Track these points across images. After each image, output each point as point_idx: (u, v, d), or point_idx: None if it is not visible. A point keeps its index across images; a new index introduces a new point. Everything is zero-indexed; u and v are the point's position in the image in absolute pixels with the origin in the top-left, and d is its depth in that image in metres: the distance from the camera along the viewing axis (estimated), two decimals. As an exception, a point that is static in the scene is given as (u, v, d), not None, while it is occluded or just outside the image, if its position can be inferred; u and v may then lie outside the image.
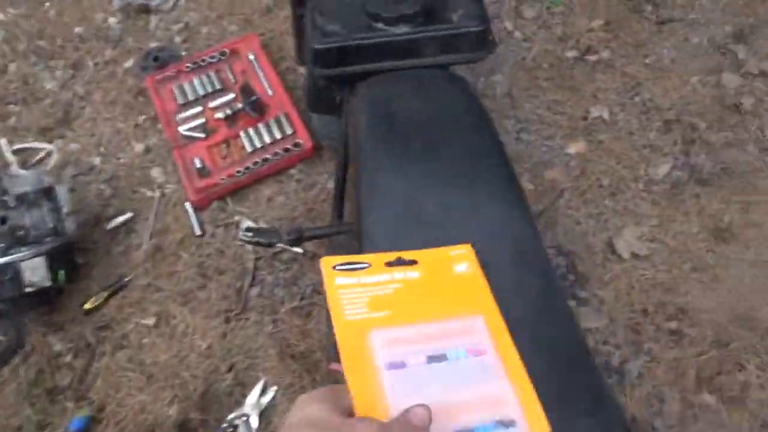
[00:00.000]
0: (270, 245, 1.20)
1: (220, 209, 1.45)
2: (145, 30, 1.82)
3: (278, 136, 1.50)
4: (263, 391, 1.20)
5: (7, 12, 1.88)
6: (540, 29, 1.66)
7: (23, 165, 1.57)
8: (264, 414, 1.17)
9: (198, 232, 1.41)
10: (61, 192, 1.29)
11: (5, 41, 1.81)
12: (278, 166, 1.48)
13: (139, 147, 1.58)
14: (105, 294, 1.34)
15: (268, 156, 1.47)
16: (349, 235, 1.17)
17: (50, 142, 1.61)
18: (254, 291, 1.33)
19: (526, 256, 0.70)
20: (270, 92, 1.58)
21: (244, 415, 1.16)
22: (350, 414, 0.44)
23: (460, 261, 0.57)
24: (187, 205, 1.45)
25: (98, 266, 1.39)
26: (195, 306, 1.32)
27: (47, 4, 1.90)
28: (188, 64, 1.64)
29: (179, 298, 1.33)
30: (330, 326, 1.11)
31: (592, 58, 1.58)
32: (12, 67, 1.76)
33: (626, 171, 1.42)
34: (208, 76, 1.62)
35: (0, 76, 1.74)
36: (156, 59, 1.69)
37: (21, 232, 1.22)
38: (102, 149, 1.59)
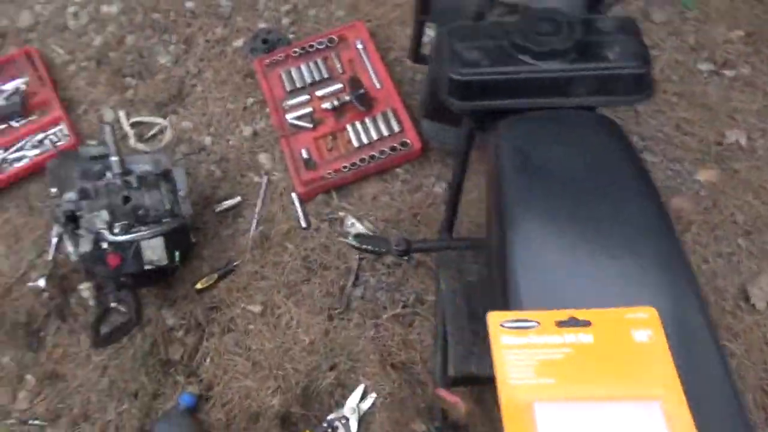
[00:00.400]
0: (378, 254, 1.22)
1: (325, 203, 1.47)
2: (254, 9, 1.82)
3: (385, 132, 1.49)
4: (363, 396, 1.24)
5: (123, -18, 1.92)
6: (670, 36, 1.55)
7: (140, 139, 1.63)
8: (363, 419, 1.22)
9: (304, 224, 1.44)
10: (179, 175, 1.33)
11: (123, 12, 1.86)
12: (383, 165, 1.47)
13: (247, 130, 1.61)
14: (215, 276, 1.40)
15: (374, 153, 1.46)
16: (460, 251, 1.17)
17: (164, 117, 1.67)
18: (357, 292, 1.36)
19: (693, 334, 0.67)
20: (378, 85, 1.56)
21: (343, 417, 1.21)
22: None
23: (641, 327, 0.53)
24: (293, 195, 1.48)
25: (208, 248, 1.46)
26: (299, 299, 1.36)
27: (159, -25, 1.93)
28: (296, 50, 1.64)
29: (284, 289, 1.38)
30: (442, 346, 1.13)
31: (730, 73, 1.47)
32: (129, 39, 1.81)
33: (765, 208, 1.33)
34: (316, 64, 1.62)
35: (117, 47, 1.80)
36: (264, 41, 1.69)
37: (141, 212, 1.28)
38: (212, 129, 1.63)
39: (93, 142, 1.64)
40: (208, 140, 1.61)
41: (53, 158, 1.45)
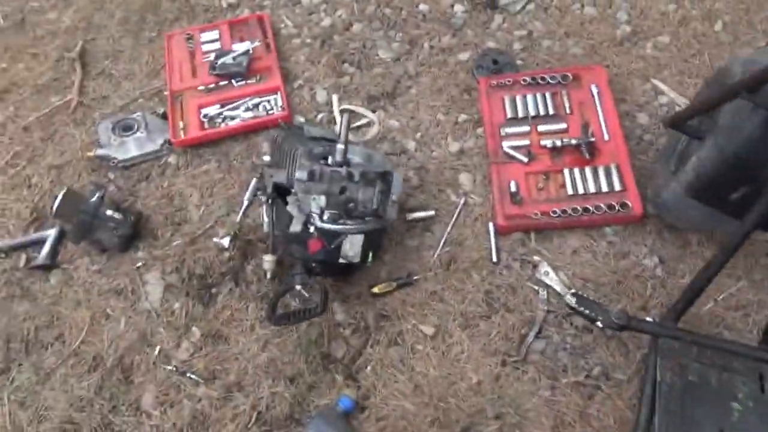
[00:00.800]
0: (591, 321, 1.13)
1: (521, 242, 1.40)
2: (486, 27, 1.78)
3: (605, 188, 1.39)
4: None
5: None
6: None
7: (348, 126, 1.64)
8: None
9: (495, 258, 1.37)
10: (397, 180, 1.31)
11: (356, 0, 1.89)
12: (594, 220, 1.37)
13: (454, 146, 1.57)
14: (394, 284, 1.37)
15: (588, 206, 1.37)
16: (684, 344, 1.05)
17: (374, 111, 1.67)
18: (538, 345, 1.27)
19: None
20: (606, 136, 1.46)
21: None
22: None
23: None
24: (490, 225, 1.42)
25: (390, 253, 1.43)
26: (474, 334, 1.30)
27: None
28: (526, 78, 1.58)
29: (460, 319, 1.32)
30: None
31: None
32: (356, 27, 1.83)
33: None
34: (544, 97, 1.55)
35: (343, 32, 1.83)
36: (495, 62, 1.65)
37: (351, 206, 1.27)
38: (418, 135, 1.61)
39: (302, 119, 1.67)
40: (411, 145, 1.59)
41: (276, 128, 1.50)
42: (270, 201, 1.37)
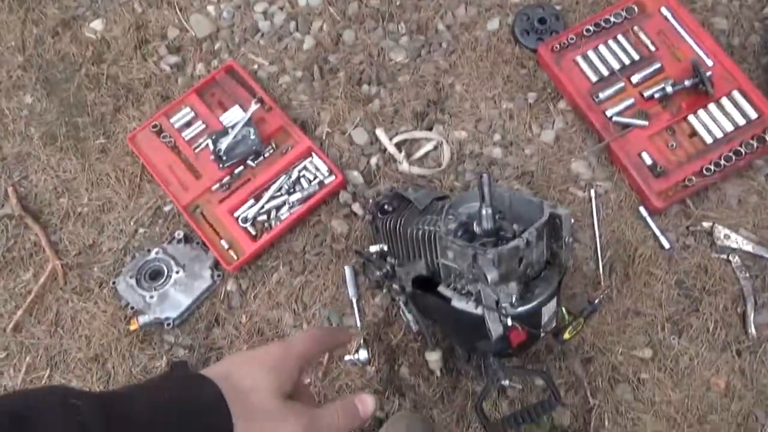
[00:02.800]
0: None
1: (682, 215, 1.25)
2: (499, -22, 1.50)
3: (740, 121, 1.24)
4: (822, 440, 1.07)
5: (320, -36, 1.57)
6: None
7: (410, 159, 1.37)
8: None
9: (666, 244, 1.22)
10: (566, 221, 1.09)
11: (329, 2, 1.53)
12: (748, 160, 1.23)
13: (546, 135, 1.35)
14: (581, 320, 1.19)
15: (738, 149, 1.22)
16: None
17: (430, 129, 1.39)
18: (762, 318, 1.16)
19: None
20: (709, 61, 1.29)
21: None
22: (290, 396, 0.47)
23: None
24: (642, 210, 1.25)
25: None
26: (692, 335, 1.17)
27: (362, -52, 1.58)
28: (588, 27, 1.35)
29: (668, 325, 1.18)
30: None
31: None
32: (347, 35, 1.49)
33: None
34: (618, 42, 1.34)
35: (336, 47, 1.49)
36: (542, 21, 1.40)
37: (529, 271, 1.05)
38: (497, 137, 1.36)
39: (354, 173, 1.37)
40: (497, 152, 1.35)
41: (371, 211, 1.20)
42: (411, 299, 1.13)
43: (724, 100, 1.26)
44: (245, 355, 0.49)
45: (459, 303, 1.06)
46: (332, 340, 0.58)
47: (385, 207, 1.18)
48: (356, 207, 1.33)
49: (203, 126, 1.42)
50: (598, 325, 1.20)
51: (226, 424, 0.42)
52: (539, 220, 1.01)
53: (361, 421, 0.50)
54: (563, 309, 1.11)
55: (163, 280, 1.31)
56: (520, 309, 1.02)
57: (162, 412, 0.42)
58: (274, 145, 1.40)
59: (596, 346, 1.18)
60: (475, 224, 1.06)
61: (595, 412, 1.15)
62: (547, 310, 1.05)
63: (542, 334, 1.06)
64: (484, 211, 1.05)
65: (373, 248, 1.20)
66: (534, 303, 1.03)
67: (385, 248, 1.17)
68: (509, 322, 1.01)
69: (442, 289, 1.09)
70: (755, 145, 1.22)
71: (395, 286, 1.14)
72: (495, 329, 1.00)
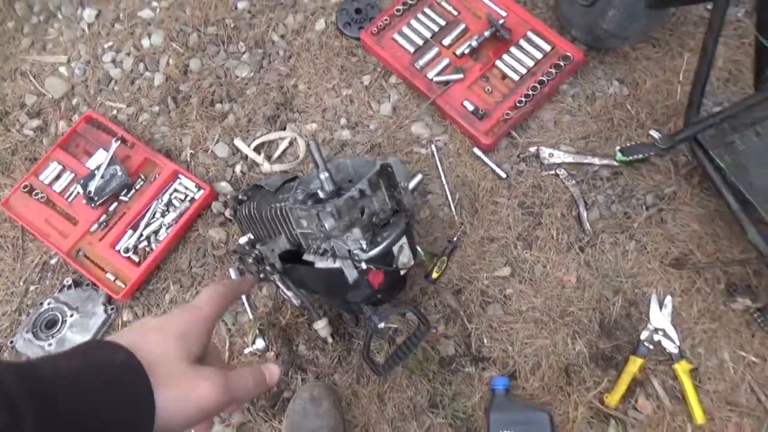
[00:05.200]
0: (646, 159, 1.18)
1: (510, 146, 1.40)
2: (315, -16, 1.66)
3: (538, 55, 1.42)
4: (661, 305, 1.21)
5: (153, 6, 1.69)
6: None
7: (271, 160, 1.48)
8: (676, 324, 1.19)
9: (503, 174, 1.37)
10: (397, 166, 1.21)
11: (169, 38, 1.64)
12: (553, 87, 1.41)
13: (385, 108, 1.49)
14: (445, 258, 1.31)
15: (541, 78, 1.39)
16: (717, 126, 1.14)
17: (284, 129, 1.51)
18: (592, 214, 1.31)
19: None
20: (503, 12, 1.47)
21: (658, 330, 1.18)
22: (200, 360, 0.48)
23: None
24: (476, 150, 1.39)
25: (417, 236, 1.36)
26: (541, 245, 1.30)
27: (192, -15, 1.71)
28: (398, 8, 1.51)
29: (520, 242, 1.31)
30: (746, 218, 1.10)
31: None
32: (193, 64, 1.61)
33: None
34: (426, 15, 1.51)
35: (183, 77, 1.60)
36: (358, 11, 1.55)
37: (375, 219, 1.17)
38: (344, 121, 1.50)
39: (222, 183, 1.47)
40: (346, 134, 1.48)
41: (231, 206, 1.29)
42: (284, 274, 1.22)
43: (522, 42, 1.44)
44: (152, 323, 0.47)
45: (321, 263, 1.16)
46: (235, 293, 0.58)
47: (240, 198, 1.28)
48: (229, 213, 1.42)
49: (72, 175, 1.49)
50: (461, 259, 1.32)
51: (146, 388, 0.42)
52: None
53: (267, 387, 0.51)
54: (420, 249, 1.23)
55: (58, 327, 1.36)
56: (372, 252, 1.13)
57: (84, 376, 0.40)
58: (143, 177, 1.48)
59: (463, 278, 1.30)
60: (318, 191, 1.18)
61: (474, 335, 1.26)
62: (399, 249, 1.17)
63: (401, 271, 1.17)
64: (322, 176, 1.17)
65: (242, 240, 1.29)
66: (384, 244, 1.14)
67: (252, 236, 1.26)
68: (364, 266, 1.12)
69: (306, 256, 1.19)
70: (554, 72, 1.39)
71: (268, 267, 1.23)
72: (350, 274, 1.11)
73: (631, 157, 1.15)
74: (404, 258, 1.18)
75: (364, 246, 1.14)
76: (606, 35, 1.34)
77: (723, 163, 1.13)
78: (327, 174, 1.17)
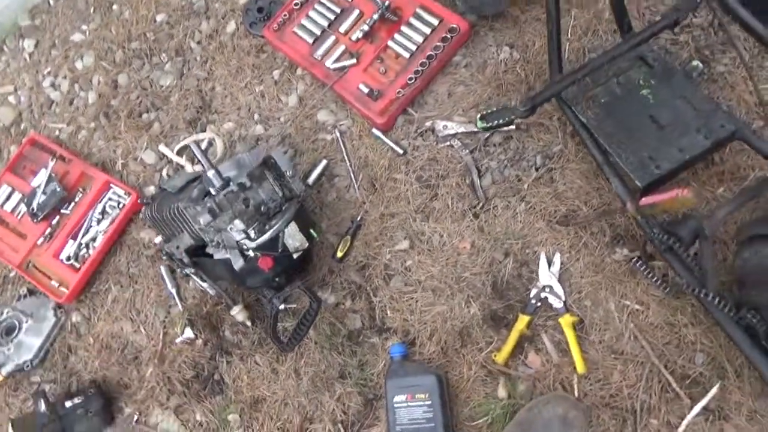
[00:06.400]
0: (510, 123, 1.20)
1: (407, 122, 1.44)
2: (225, -11, 1.73)
3: (427, 31, 1.45)
4: (549, 262, 1.24)
5: (83, 30, 1.81)
6: None
7: (194, 162, 1.57)
8: (563, 280, 1.22)
9: (400, 150, 1.41)
10: (279, 157, 1.28)
11: (99, 58, 1.75)
12: (442, 60, 1.44)
13: (292, 100, 1.55)
14: (348, 238, 1.37)
15: (430, 53, 1.42)
16: (580, 82, 1.15)
17: (203, 131, 1.60)
18: (486, 180, 1.34)
19: None
20: (391, -7, 1.51)
21: (545, 287, 1.21)
22: None
23: None
24: (375, 131, 1.44)
25: (324, 220, 1.42)
26: (437, 216, 1.35)
27: (115, 6, 1.81)
28: (295, 2, 1.57)
29: (419, 215, 1.36)
30: (611, 171, 1.12)
31: None
32: (121, 79, 1.71)
33: None
34: (322, 4, 1.55)
35: (115, 92, 1.71)
36: (260, 10, 1.62)
37: (263, 208, 1.24)
38: (257, 117, 1.57)
39: (150, 188, 1.57)
40: (259, 129, 1.55)
41: (141, 209, 1.40)
42: (193, 267, 1.31)
43: (412, 19, 1.47)
44: None
45: (218, 254, 1.25)
46: None
47: (145, 201, 1.38)
48: (140, 216, 1.52)
49: (20, 195, 1.62)
50: (364, 236, 1.38)
51: None
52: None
53: None
54: (314, 231, 1.29)
55: (16, 332, 1.50)
56: (259, 240, 1.21)
57: None
58: (82, 190, 1.60)
59: (368, 254, 1.36)
60: (210, 188, 1.26)
61: (378, 307, 1.32)
62: (289, 234, 1.25)
63: (294, 255, 1.25)
64: (208, 174, 1.25)
65: (157, 239, 1.39)
66: (270, 232, 1.22)
67: (160, 238, 1.36)
68: (251, 253, 1.20)
69: (208, 249, 1.28)
70: (442, 45, 1.42)
71: (177, 263, 1.33)
72: (236, 262, 1.20)
73: (492, 123, 1.18)
74: (295, 242, 1.25)
75: (252, 235, 1.22)
76: (478, 2, 1.36)
77: (585, 118, 1.15)
78: (213, 171, 1.25)
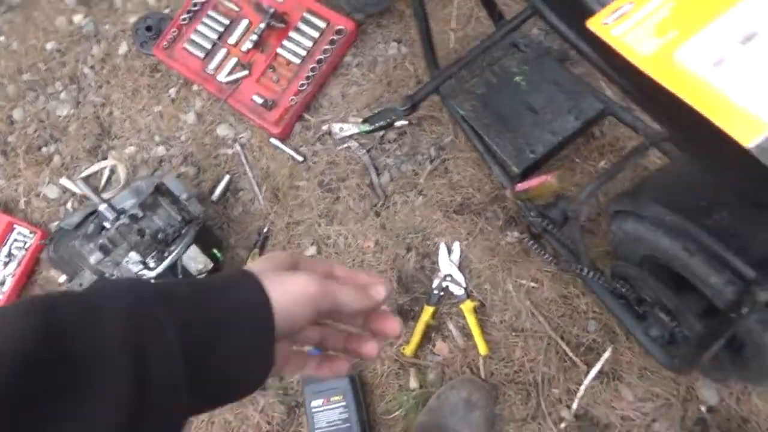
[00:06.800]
0: (392, 124, 1.22)
1: (305, 129, 1.45)
2: (113, 10, 1.70)
3: (315, 34, 1.46)
4: (449, 251, 1.27)
5: (-29, 66, 1.75)
6: None
7: (97, 191, 1.54)
8: (463, 267, 1.25)
9: (300, 158, 1.42)
10: (170, 182, 1.28)
11: (-9, 94, 1.70)
12: (333, 62, 1.45)
13: (190, 117, 1.54)
14: (256, 250, 1.38)
15: (319, 57, 1.43)
16: (456, 75, 1.18)
17: (105, 159, 1.58)
18: (384, 178, 1.36)
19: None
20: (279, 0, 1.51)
21: (446, 276, 1.25)
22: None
23: None
24: (273, 141, 1.45)
25: (232, 235, 1.42)
26: (341, 219, 1.36)
27: (2, 38, 1.76)
28: (184, 17, 1.55)
29: (323, 219, 1.37)
30: (491, 159, 1.16)
31: None
32: (17, 113, 1.67)
33: None
34: (210, 17, 1.54)
35: (11, 127, 1.66)
36: (149, 29, 1.60)
37: (161, 235, 1.24)
38: (157, 138, 1.55)
39: (54, 224, 1.54)
40: (161, 150, 1.54)
41: (43, 250, 1.37)
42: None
43: (300, 24, 1.47)
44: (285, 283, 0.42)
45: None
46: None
47: (44, 242, 1.36)
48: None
49: (-77, 245, 1.57)
50: (272, 247, 1.39)
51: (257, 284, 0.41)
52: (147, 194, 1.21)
53: (373, 303, 0.46)
54: (216, 249, 1.30)
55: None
56: (158, 269, 1.21)
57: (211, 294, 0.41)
58: (-15, 233, 1.56)
59: (278, 264, 1.37)
60: (104, 222, 1.25)
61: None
62: (191, 257, 1.24)
63: (199, 277, 1.25)
64: (100, 208, 1.24)
65: (61, 279, 1.38)
66: (169, 258, 1.22)
67: (65, 278, 1.34)
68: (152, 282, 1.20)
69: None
70: (331, 48, 1.43)
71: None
72: (136, 292, 1.19)
73: (375, 126, 1.20)
74: (198, 264, 1.25)
75: (152, 264, 1.21)
76: (362, 2, 1.38)
77: (463, 111, 1.18)
78: (105, 204, 1.24)
